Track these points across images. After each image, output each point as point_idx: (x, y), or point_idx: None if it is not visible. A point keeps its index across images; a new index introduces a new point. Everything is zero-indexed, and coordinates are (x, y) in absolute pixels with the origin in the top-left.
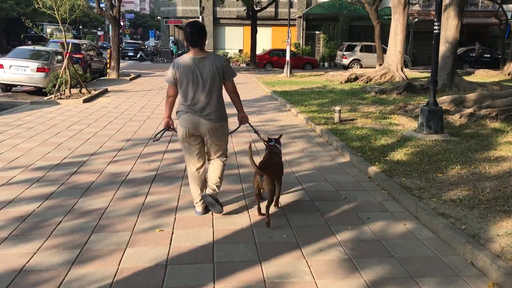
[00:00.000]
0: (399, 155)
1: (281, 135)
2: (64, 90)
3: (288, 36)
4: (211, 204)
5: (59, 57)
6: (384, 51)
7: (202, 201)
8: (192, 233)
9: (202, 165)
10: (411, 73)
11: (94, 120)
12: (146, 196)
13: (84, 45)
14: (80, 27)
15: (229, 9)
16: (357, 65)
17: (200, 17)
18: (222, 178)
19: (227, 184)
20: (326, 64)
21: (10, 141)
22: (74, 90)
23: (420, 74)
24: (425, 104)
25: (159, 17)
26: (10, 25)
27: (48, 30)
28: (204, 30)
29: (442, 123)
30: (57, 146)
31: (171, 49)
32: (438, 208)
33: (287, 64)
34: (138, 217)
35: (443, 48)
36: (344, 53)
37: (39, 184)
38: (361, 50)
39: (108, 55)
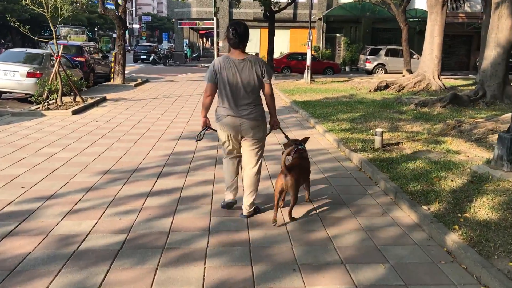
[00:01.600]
0: (483, 209)
1: (307, 137)
2: (56, 99)
3: (309, 39)
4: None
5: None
6: (412, 55)
7: (233, 193)
8: None
9: (238, 154)
10: (444, 80)
11: (75, 140)
12: None
13: (88, 47)
14: (96, 29)
15: (246, 10)
16: (381, 70)
17: (215, 18)
18: (257, 189)
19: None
20: (347, 69)
21: None
22: (67, 98)
23: (455, 82)
24: (505, 131)
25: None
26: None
27: (63, 32)
28: (247, 32)
29: None
30: (9, 182)
31: (185, 52)
32: None
33: (308, 69)
34: None
35: (493, 53)
36: (368, 57)
37: None
38: (386, 54)
39: (113, 59)
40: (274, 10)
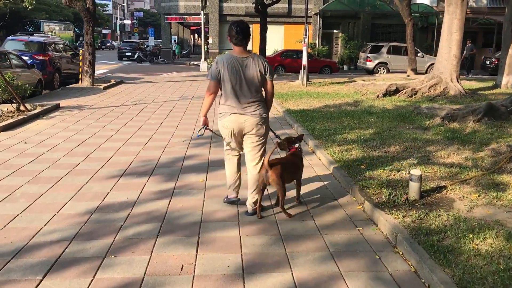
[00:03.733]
0: None
1: (302, 135)
2: None
3: (305, 35)
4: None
5: (13, 62)
6: (416, 53)
7: (236, 190)
8: None
9: (240, 151)
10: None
11: None
12: None
13: (53, 44)
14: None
15: (237, 4)
16: (383, 69)
17: (202, 13)
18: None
19: None
20: (345, 67)
21: None
22: (8, 107)
23: (470, 84)
24: None
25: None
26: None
27: (46, 28)
28: (249, 30)
29: None
30: None
31: (173, 49)
32: None
33: (304, 69)
34: None
35: None
36: (369, 55)
37: None
38: (388, 52)
39: (81, 57)
40: (266, 3)
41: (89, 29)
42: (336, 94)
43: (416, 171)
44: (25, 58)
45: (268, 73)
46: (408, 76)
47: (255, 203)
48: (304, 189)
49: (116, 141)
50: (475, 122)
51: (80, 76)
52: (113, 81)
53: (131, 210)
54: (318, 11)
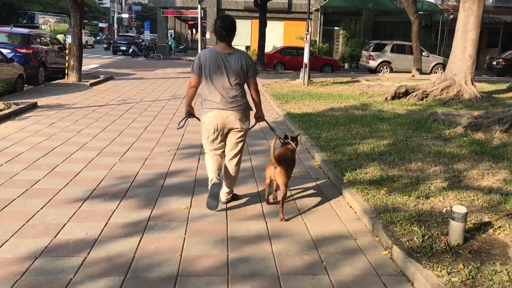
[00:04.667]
0: None
1: (298, 134)
2: None
3: (307, 31)
4: (215, 195)
5: None
6: (421, 52)
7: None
8: None
9: (222, 151)
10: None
11: None
12: None
13: (38, 36)
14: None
15: None
16: (386, 68)
17: (199, 6)
18: (236, 178)
19: None
20: (346, 66)
21: None
22: None
23: (481, 86)
24: None
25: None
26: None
27: (41, 20)
28: (234, 26)
29: None
30: None
31: (169, 43)
32: None
33: (305, 67)
34: None
35: None
36: (372, 53)
37: None
38: (392, 51)
39: (67, 51)
40: None
41: (76, 21)
42: (340, 95)
43: (460, 208)
44: (5, 51)
45: (251, 70)
46: (413, 76)
47: (229, 193)
48: (311, 220)
49: (90, 150)
50: (502, 133)
51: (66, 71)
52: (101, 77)
53: (88, 254)
54: (319, 7)
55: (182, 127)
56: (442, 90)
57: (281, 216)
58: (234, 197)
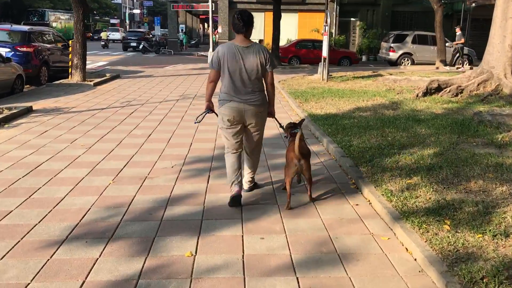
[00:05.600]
0: None
1: (303, 119)
2: None
3: (326, 22)
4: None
5: None
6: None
7: (239, 185)
8: None
9: (240, 148)
10: None
11: None
12: None
13: (40, 34)
14: (90, 14)
15: None
16: (407, 60)
17: (210, 0)
18: (256, 168)
19: None
20: (364, 58)
21: None
22: None
23: None
24: None
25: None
26: (8, 11)
27: (52, 17)
28: (252, 19)
29: None
30: None
31: (180, 38)
32: None
33: (324, 61)
34: None
35: None
36: (392, 45)
37: None
38: (413, 42)
39: (70, 49)
40: None
41: (79, 17)
42: (365, 92)
43: None
44: (5, 50)
45: (269, 64)
46: (438, 68)
47: (250, 181)
48: (358, 274)
49: (81, 167)
50: None
51: (70, 71)
52: (107, 76)
53: None
54: None
55: (200, 122)
56: (478, 84)
57: (309, 195)
58: (255, 185)
